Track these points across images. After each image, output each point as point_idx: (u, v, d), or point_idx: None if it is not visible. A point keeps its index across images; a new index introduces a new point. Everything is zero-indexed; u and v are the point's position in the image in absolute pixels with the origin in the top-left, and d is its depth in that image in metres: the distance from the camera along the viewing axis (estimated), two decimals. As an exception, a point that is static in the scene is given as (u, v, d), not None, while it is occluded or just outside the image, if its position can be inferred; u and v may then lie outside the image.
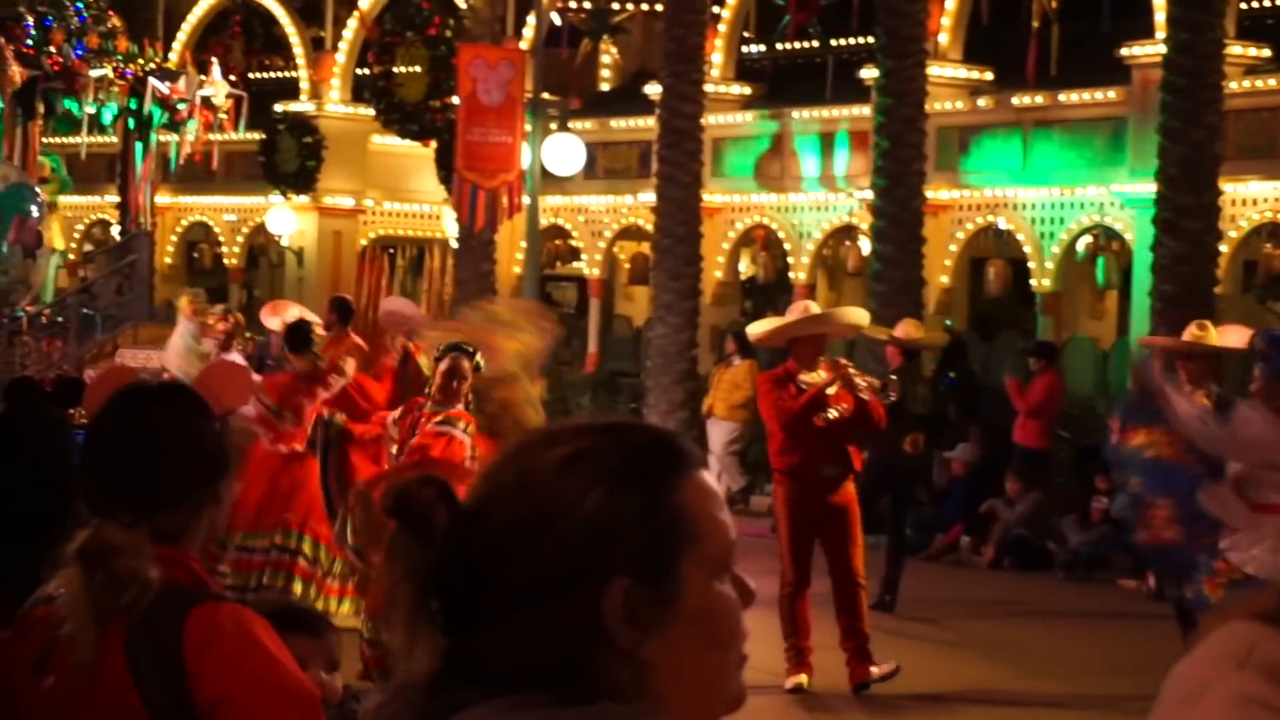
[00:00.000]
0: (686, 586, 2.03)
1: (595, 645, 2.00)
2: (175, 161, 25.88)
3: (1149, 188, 22.07)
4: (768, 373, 13.48)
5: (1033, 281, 25.66)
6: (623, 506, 2.02)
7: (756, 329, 13.69)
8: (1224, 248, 22.15)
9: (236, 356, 18.22)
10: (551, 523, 2.01)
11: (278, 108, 33.43)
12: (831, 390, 12.35)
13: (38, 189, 24.06)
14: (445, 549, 2.03)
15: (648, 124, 28.04)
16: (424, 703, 2.03)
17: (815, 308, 13.29)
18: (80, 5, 25.04)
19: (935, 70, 25.03)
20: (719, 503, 2.10)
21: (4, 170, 23.91)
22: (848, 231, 27.63)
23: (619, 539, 2.01)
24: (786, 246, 28.42)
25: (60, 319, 25.22)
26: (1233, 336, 13.17)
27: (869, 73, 25.30)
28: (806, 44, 30.56)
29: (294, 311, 18.94)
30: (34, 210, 23.69)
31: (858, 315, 13.99)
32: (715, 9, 27.98)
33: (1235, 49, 22.65)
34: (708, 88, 27.02)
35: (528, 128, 26.30)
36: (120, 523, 3.17)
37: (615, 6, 33.84)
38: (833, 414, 12.31)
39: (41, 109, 24.31)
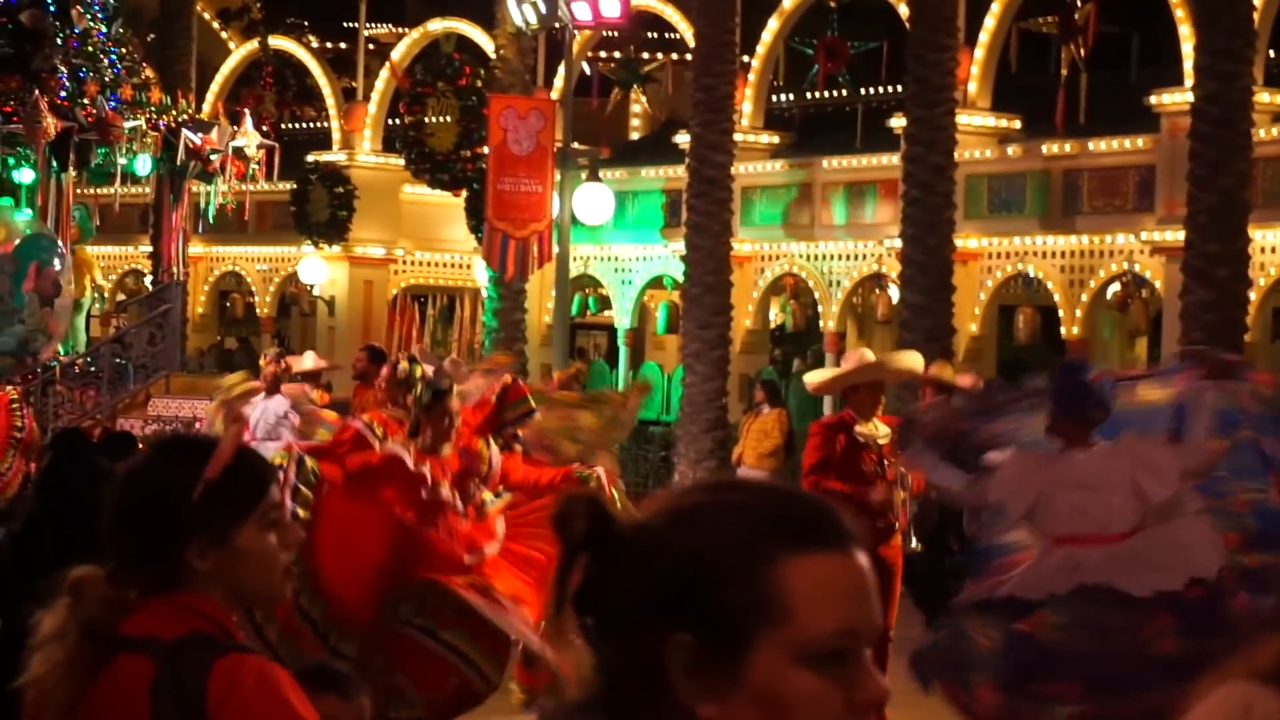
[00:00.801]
0: (757, 662, 1.98)
1: (656, 689, 1.99)
2: (208, 212, 26.00)
3: (1178, 235, 22.08)
4: (823, 420, 13.37)
5: (1062, 329, 25.66)
6: (714, 561, 1.98)
7: (813, 378, 13.62)
8: (1253, 295, 22.13)
9: (282, 401, 18.16)
10: (652, 558, 2.01)
11: (309, 158, 33.60)
12: (878, 495, 12.24)
13: (58, 239, 24.16)
14: (581, 562, 2.06)
15: (678, 173, 28.13)
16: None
17: (871, 355, 13.20)
18: (114, 57, 25.19)
19: (964, 119, 25.08)
20: (844, 594, 2.01)
21: (25, 220, 24.05)
22: (877, 279, 27.66)
23: (698, 591, 1.99)
24: (816, 294, 28.45)
25: (93, 368, 25.32)
26: None
27: (898, 121, 25.35)
28: (835, 93, 30.65)
29: (309, 359, 18.97)
30: (55, 261, 23.79)
31: (913, 360, 13.84)
32: (744, 58, 28.07)
33: (1263, 97, 22.69)
34: (737, 137, 27.08)
35: (558, 177, 26.38)
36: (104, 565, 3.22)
37: (645, 56, 33.98)
38: (877, 495, 12.19)
39: (75, 160, 24.44)
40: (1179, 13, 23.76)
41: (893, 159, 25.57)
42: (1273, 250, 23.24)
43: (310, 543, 10.14)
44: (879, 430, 12.26)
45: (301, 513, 9.95)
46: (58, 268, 23.78)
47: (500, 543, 10.66)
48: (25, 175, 24.58)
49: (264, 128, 27.60)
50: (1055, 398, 9.37)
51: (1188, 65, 22.78)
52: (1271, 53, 24.51)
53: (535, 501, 10.80)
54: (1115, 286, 25.53)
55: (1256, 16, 21.85)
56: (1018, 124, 26.43)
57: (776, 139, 29.30)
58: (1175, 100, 23.31)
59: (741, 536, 1.99)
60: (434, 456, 10.52)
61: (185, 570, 3.27)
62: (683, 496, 2.07)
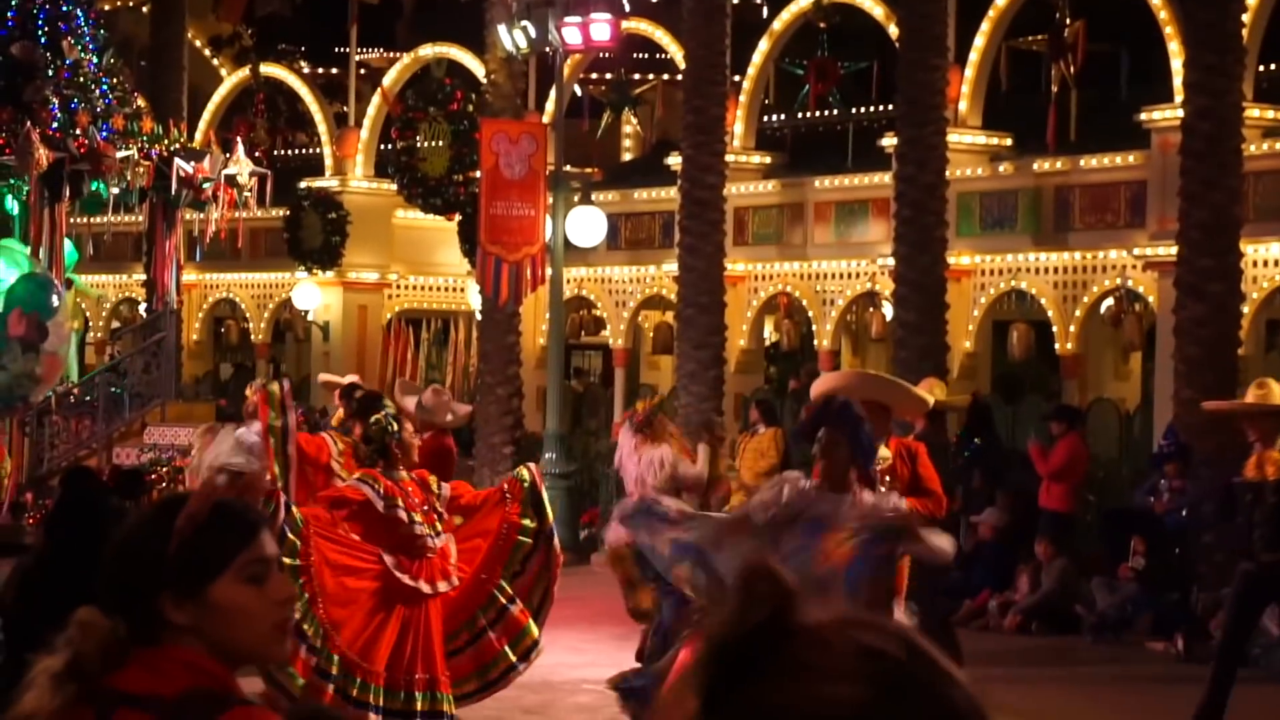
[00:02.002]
0: None
1: None
2: (200, 240, 26.04)
3: (1170, 250, 22.12)
4: None
5: (1056, 344, 25.71)
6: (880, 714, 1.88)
7: (819, 384, 13.61)
8: (1246, 309, 22.15)
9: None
10: (816, 707, 1.86)
11: (302, 184, 33.64)
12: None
13: (51, 276, 24.10)
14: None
15: (670, 194, 28.18)
16: None
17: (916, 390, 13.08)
18: (105, 88, 25.25)
19: (955, 137, 25.12)
20: None
21: (16, 254, 24.03)
22: (871, 297, 27.72)
23: None
24: (810, 313, 28.50)
25: (88, 398, 25.32)
26: None
27: (889, 140, 25.40)
28: (826, 113, 30.71)
29: (348, 379, 18.98)
30: (53, 298, 23.75)
31: (920, 393, 13.55)
32: (735, 79, 28.12)
33: (1254, 112, 22.71)
34: (729, 158, 27.13)
35: (550, 200, 26.40)
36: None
37: (635, 78, 34.03)
38: None
39: (68, 190, 24.48)
40: (1168, 30, 23.83)
41: (884, 178, 25.62)
42: (1265, 264, 23.30)
43: (315, 599, 10.42)
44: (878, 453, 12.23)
45: (286, 560, 10.04)
46: (54, 303, 23.74)
47: (455, 571, 11.13)
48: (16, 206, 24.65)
49: (256, 155, 27.66)
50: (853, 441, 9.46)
51: (1177, 82, 22.78)
52: (1261, 68, 24.57)
53: (473, 523, 11.39)
54: (1109, 302, 25.58)
55: (1245, 32, 21.88)
56: (1009, 142, 26.50)
57: (768, 159, 29.36)
58: (1166, 117, 23.34)
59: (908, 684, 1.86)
60: (395, 484, 10.85)
61: (164, 624, 3.27)
62: (846, 629, 1.88)
